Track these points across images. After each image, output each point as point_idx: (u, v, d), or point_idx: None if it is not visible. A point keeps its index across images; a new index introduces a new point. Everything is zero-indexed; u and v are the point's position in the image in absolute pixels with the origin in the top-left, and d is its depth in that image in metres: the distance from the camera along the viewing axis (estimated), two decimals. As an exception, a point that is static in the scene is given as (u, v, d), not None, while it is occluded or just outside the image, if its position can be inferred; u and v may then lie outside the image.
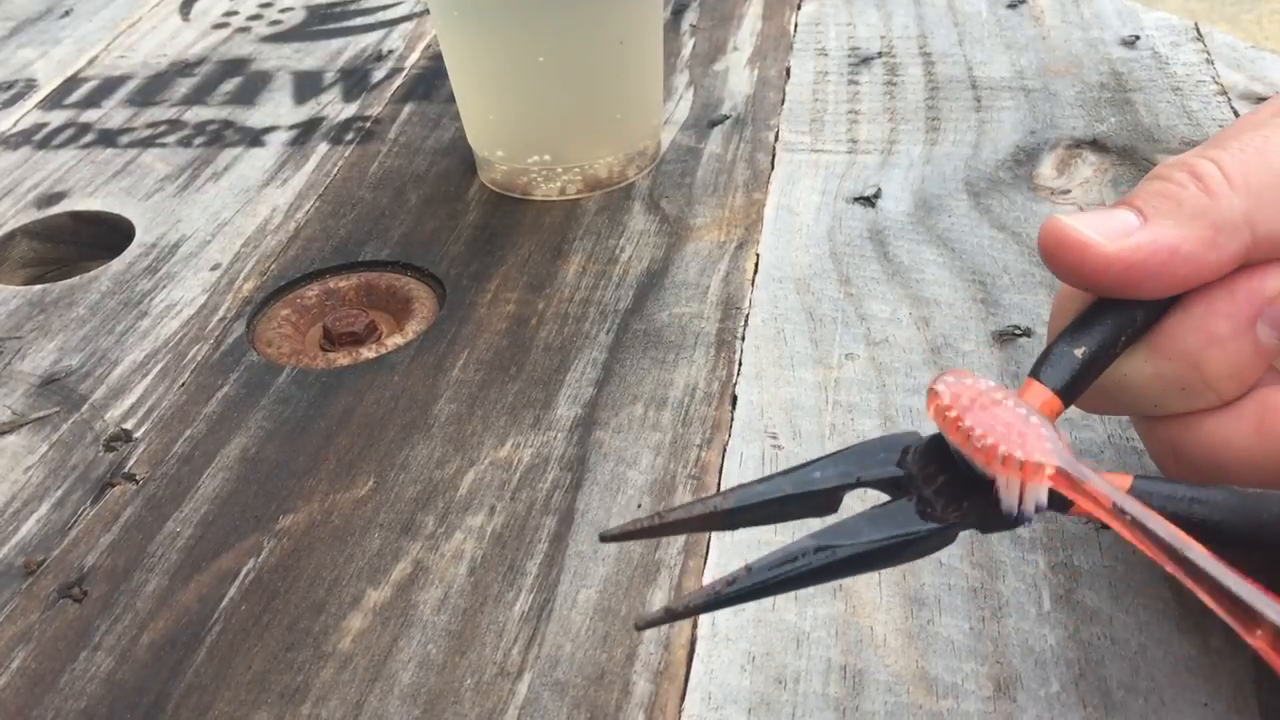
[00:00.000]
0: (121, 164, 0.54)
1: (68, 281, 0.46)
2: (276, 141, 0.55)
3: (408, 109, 0.57)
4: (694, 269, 0.43)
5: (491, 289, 0.43)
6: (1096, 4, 0.60)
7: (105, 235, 0.50)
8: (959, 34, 0.59)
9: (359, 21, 0.68)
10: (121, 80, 0.62)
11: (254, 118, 0.57)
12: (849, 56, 0.58)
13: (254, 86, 0.61)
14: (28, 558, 0.34)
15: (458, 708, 0.28)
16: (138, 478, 0.36)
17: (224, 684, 0.29)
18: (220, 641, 0.30)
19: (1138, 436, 0.29)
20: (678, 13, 0.64)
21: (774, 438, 0.35)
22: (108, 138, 0.57)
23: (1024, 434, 0.23)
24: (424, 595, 0.31)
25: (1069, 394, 0.26)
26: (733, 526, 0.25)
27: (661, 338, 0.40)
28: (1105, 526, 0.24)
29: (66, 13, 0.72)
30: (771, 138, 0.51)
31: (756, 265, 0.43)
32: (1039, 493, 0.22)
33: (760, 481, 0.24)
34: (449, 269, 0.44)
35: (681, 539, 0.32)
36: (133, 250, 0.48)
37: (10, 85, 0.63)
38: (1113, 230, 0.25)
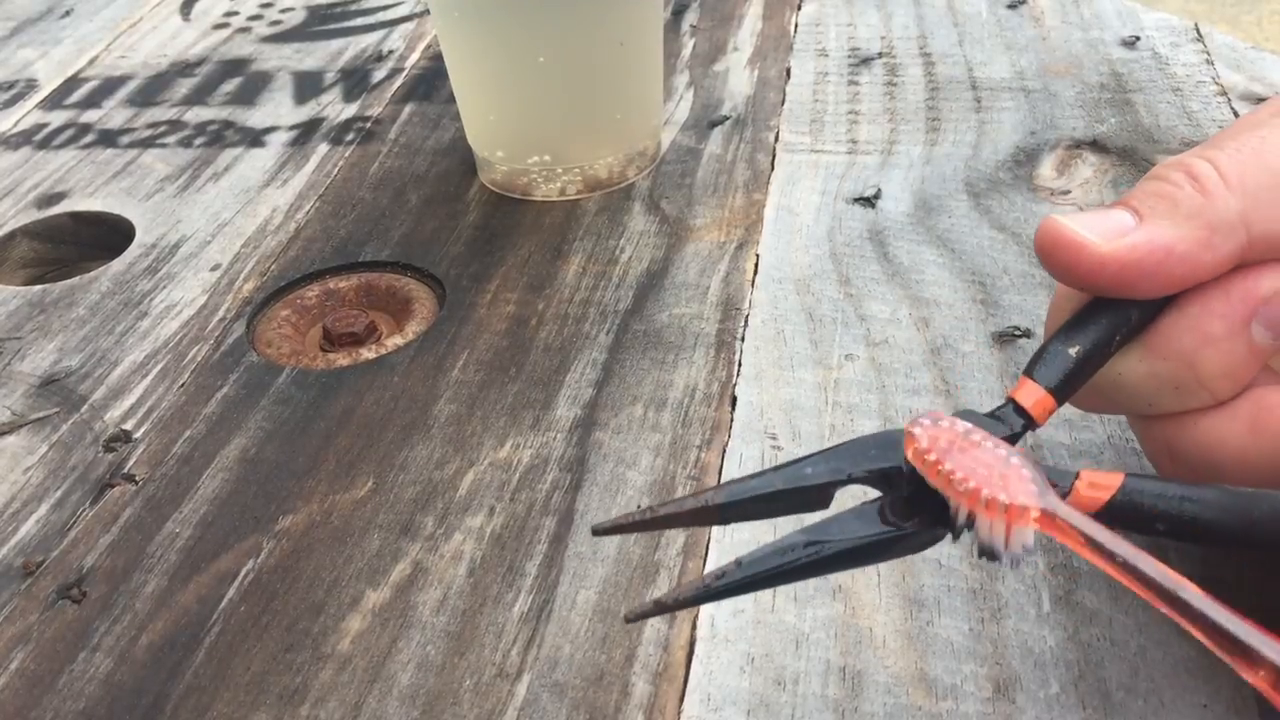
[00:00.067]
0: (122, 164, 0.54)
1: (68, 282, 0.46)
2: (277, 142, 0.55)
3: (408, 109, 0.57)
4: (694, 269, 0.43)
5: (491, 289, 0.43)
6: (1096, 4, 0.60)
7: (105, 235, 0.50)
8: (959, 34, 0.59)
9: (359, 22, 0.68)
10: (122, 80, 0.62)
11: (254, 118, 0.57)
12: (849, 57, 0.58)
13: (254, 87, 0.61)
14: (27, 558, 0.34)
15: (457, 709, 0.28)
16: (137, 478, 0.36)
17: (223, 685, 0.29)
18: (219, 642, 0.30)
19: (1136, 440, 0.29)
20: (678, 13, 0.64)
21: (774, 438, 0.35)
22: (108, 138, 0.57)
23: (1005, 476, 0.22)
24: (423, 596, 0.31)
25: (1062, 392, 0.26)
26: (724, 521, 0.25)
27: (661, 338, 0.40)
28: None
29: (67, 13, 0.72)
30: (771, 138, 0.51)
31: (756, 266, 0.43)
32: (1025, 535, 0.22)
33: (752, 477, 0.24)
34: (449, 269, 0.44)
35: (680, 541, 0.32)
36: (133, 251, 0.48)
37: (11, 85, 0.63)
38: (1108, 230, 0.25)
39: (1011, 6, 0.61)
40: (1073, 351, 0.26)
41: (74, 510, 0.35)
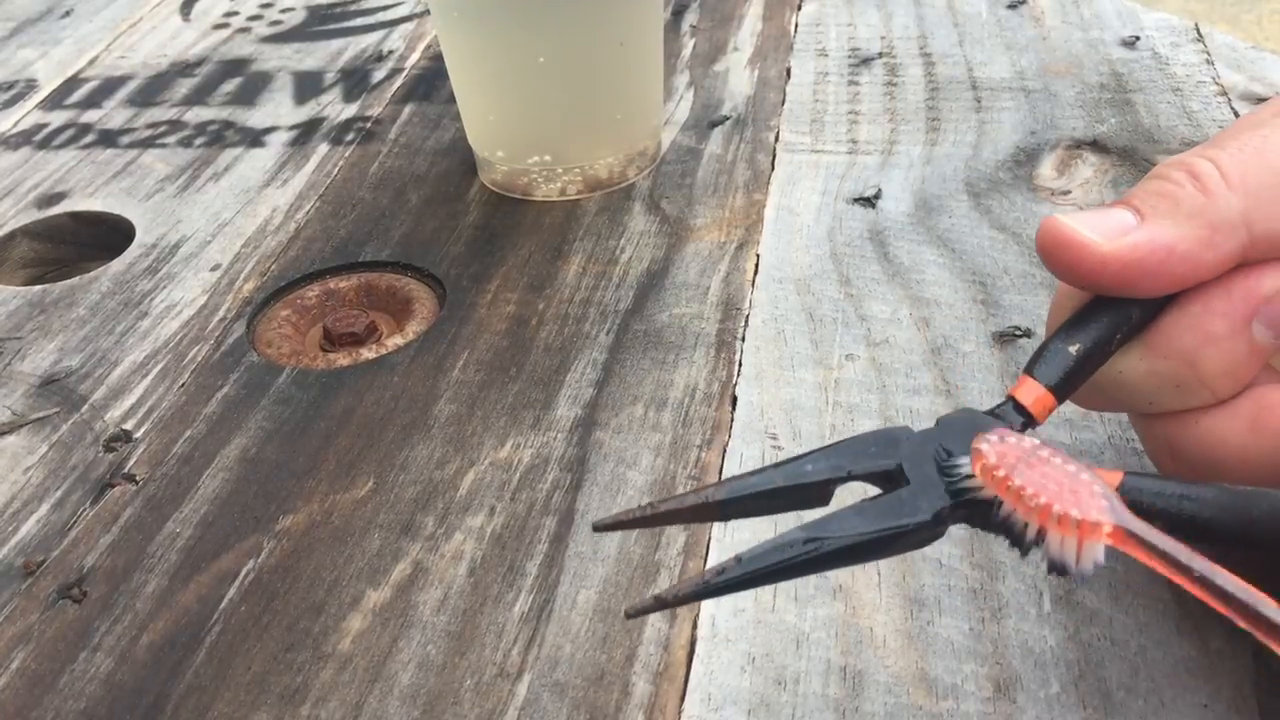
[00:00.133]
0: (122, 164, 0.54)
1: (68, 282, 0.46)
2: (277, 142, 0.55)
3: (408, 109, 0.57)
4: (694, 270, 0.43)
5: (491, 289, 0.43)
6: (1096, 4, 0.60)
7: (105, 235, 0.50)
8: (959, 34, 0.59)
9: (359, 22, 0.68)
10: (122, 81, 0.62)
11: (254, 118, 0.57)
12: (849, 57, 0.58)
13: (254, 87, 0.61)
14: (27, 558, 0.34)
15: (457, 709, 0.28)
16: (137, 478, 0.36)
17: (223, 685, 0.29)
18: (220, 642, 0.30)
19: (1137, 437, 0.29)
20: (678, 13, 0.64)
21: (774, 438, 0.35)
22: (108, 138, 0.57)
23: (1076, 491, 0.22)
24: (424, 596, 0.31)
25: (1062, 391, 0.26)
26: (724, 518, 0.25)
27: (661, 338, 0.40)
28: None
29: (67, 13, 0.72)
30: (772, 138, 0.51)
31: (757, 266, 0.43)
32: (1096, 550, 0.22)
33: (752, 473, 0.24)
34: (449, 269, 0.44)
35: (681, 540, 0.32)
36: (133, 251, 0.48)
37: (11, 85, 0.63)
38: (1110, 229, 0.25)
39: (1011, 6, 0.61)
40: (1073, 350, 0.26)
41: (74, 510, 0.35)
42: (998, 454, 0.23)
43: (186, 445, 0.37)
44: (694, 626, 0.30)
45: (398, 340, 0.41)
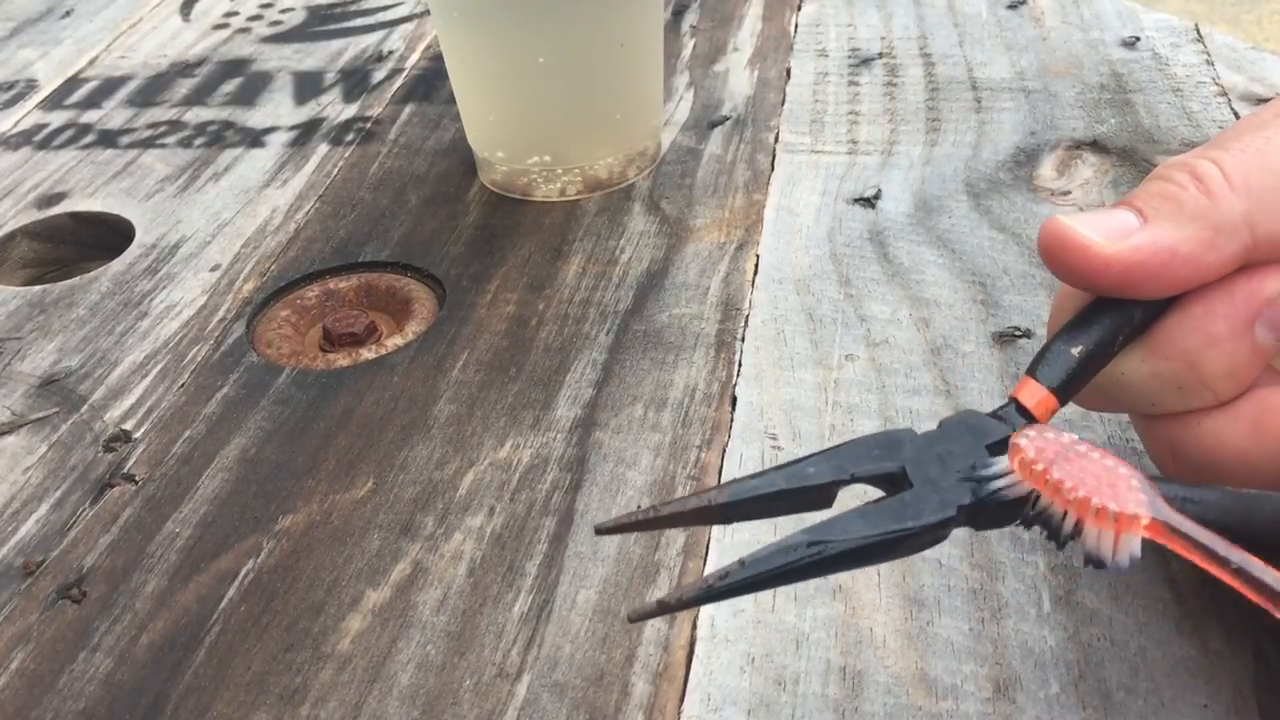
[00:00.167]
0: (122, 165, 0.54)
1: (68, 282, 0.46)
2: (277, 142, 0.55)
3: (408, 110, 0.57)
4: (694, 270, 0.43)
5: (491, 290, 0.43)
6: (1096, 5, 0.60)
7: (105, 236, 0.50)
8: (959, 35, 0.59)
9: (359, 22, 0.68)
10: (122, 81, 0.62)
11: (254, 118, 0.57)
12: (849, 57, 0.58)
13: (254, 87, 0.61)
14: (27, 558, 0.34)
15: (457, 709, 0.28)
16: (137, 478, 0.36)
17: (223, 685, 0.29)
18: (219, 642, 0.30)
19: (1138, 437, 0.29)
20: (678, 14, 0.64)
21: (774, 438, 0.35)
22: (108, 138, 0.57)
23: (1114, 485, 0.22)
24: (423, 596, 0.31)
25: (1065, 392, 0.26)
26: (726, 520, 0.25)
27: (661, 338, 0.40)
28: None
29: (67, 13, 0.72)
30: (771, 139, 0.51)
31: (756, 266, 0.43)
32: (1133, 544, 0.22)
33: (754, 476, 0.24)
34: (449, 270, 0.44)
35: (681, 540, 0.32)
36: (133, 251, 0.48)
37: (10, 85, 0.63)
38: (1112, 231, 0.25)
39: (1011, 7, 0.61)
40: (1076, 351, 0.26)
41: (74, 510, 0.35)
42: (1036, 448, 0.23)
43: (186, 445, 0.37)
44: (694, 627, 0.30)
45: (397, 340, 0.41)
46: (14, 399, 0.40)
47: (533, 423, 0.37)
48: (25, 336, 0.43)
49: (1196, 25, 0.57)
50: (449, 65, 0.48)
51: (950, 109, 0.52)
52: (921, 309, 0.40)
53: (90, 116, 0.59)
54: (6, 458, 0.37)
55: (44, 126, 0.58)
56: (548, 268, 0.44)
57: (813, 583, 0.30)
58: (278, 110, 0.58)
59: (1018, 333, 0.38)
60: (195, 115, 0.58)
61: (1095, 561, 0.22)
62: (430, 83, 0.59)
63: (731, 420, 0.36)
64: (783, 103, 0.54)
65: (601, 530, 0.25)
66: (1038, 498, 0.23)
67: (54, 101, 0.61)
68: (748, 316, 0.40)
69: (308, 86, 0.60)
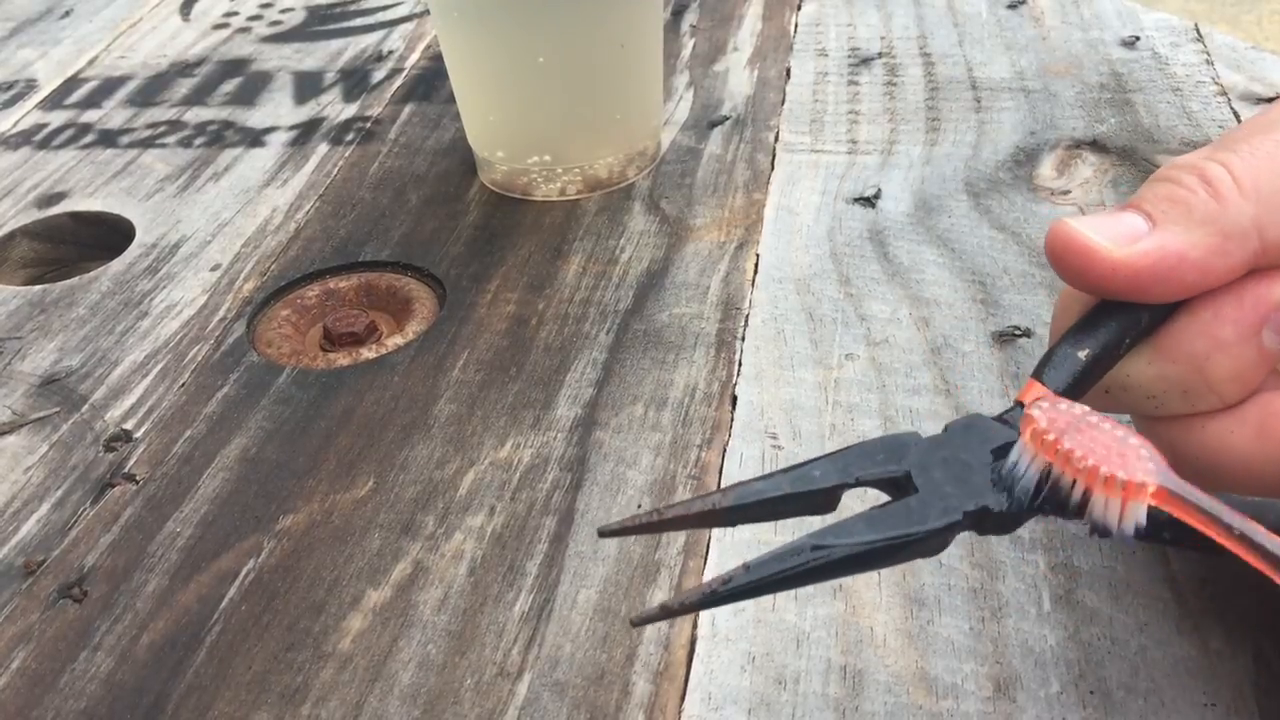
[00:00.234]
0: (122, 164, 0.54)
1: (68, 282, 0.46)
2: (277, 142, 0.55)
3: (408, 109, 0.57)
4: (694, 269, 0.43)
5: (491, 289, 0.43)
6: (1096, 4, 0.60)
7: (105, 235, 0.50)
8: (959, 34, 0.59)
9: (359, 22, 0.68)
10: (122, 81, 0.62)
11: (254, 118, 0.57)
12: (849, 57, 0.58)
13: (254, 87, 0.61)
14: (28, 558, 0.34)
15: (457, 708, 0.28)
16: (138, 478, 0.36)
17: (224, 684, 0.29)
18: (220, 642, 0.30)
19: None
20: (678, 13, 0.64)
21: (774, 438, 0.35)
22: (108, 138, 0.57)
23: (1124, 454, 0.23)
24: (424, 595, 0.31)
25: (1071, 396, 0.26)
26: (731, 523, 0.25)
27: (661, 338, 0.40)
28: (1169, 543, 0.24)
29: (67, 13, 0.72)
30: (771, 138, 0.51)
31: (756, 266, 0.43)
32: (1139, 512, 0.22)
33: (759, 479, 0.24)
34: (449, 269, 0.44)
35: (681, 540, 0.32)
36: (133, 251, 0.48)
37: (10, 85, 0.63)
38: (1121, 235, 0.25)
39: (1011, 6, 0.61)
40: (1082, 354, 0.25)
41: (75, 510, 0.35)
42: (1049, 419, 0.23)
43: (186, 445, 0.37)
44: (694, 626, 0.30)
45: (398, 340, 0.41)
46: (14, 399, 0.40)
47: (533, 422, 0.37)
48: (25, 336, 0.43)
49: (1196, 25, 0.57)
50: (449, 65, 0.48)
51: (950, 109, 0.52)
52: (921, 308, 0.40)
53: (90, 116, 0.59)
54: (7, 457, 0.37)
55: (44, 126, 0.58)
56: (548, 267, 0.44)
57: (813, 582, 0.30)
58: (278, 110, 0.58)
59: (1018, 332, 0.38)
60: (195, 115, 0.58)
61: (1101, 530, 0.23)
62: (430, 83, 0.59)
63: (732, 420, 0.36)
64: (783, 102, 0.54)
65: (605, 533, 0.25)
66: (1051, 475, 0.23)
67: (54, 101, 0.61)
68: (748, 316, 0.40)
69: (308, 86, 0.60)
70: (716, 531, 0.32)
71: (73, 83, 0.63)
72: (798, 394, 0.37)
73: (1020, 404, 0.26)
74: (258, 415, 0.38)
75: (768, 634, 0.29)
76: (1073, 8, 0.60)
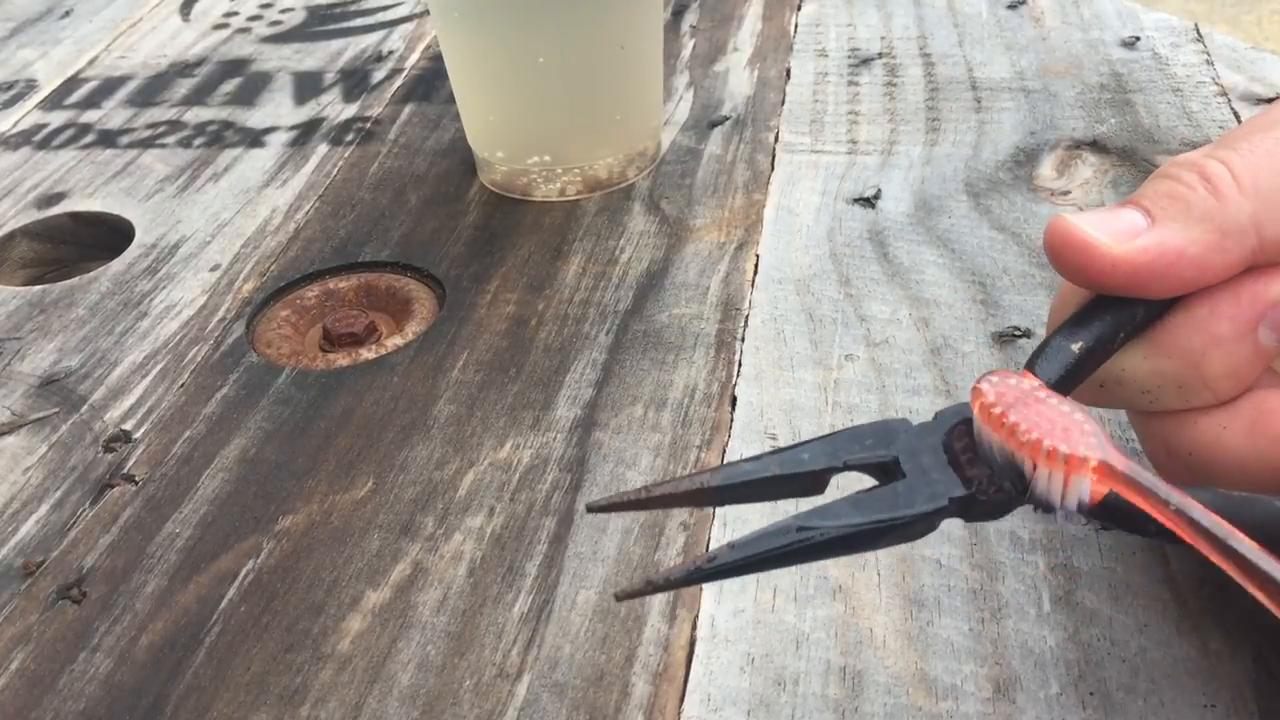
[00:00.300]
0: (121, 165, 0.54)
1: (67, 282, 0.46)
2: (276, 142, 0.55)
3: (408, 110, 0.57)
4: (694, 270, 0.43)
5: (491, 290, 0.43)
6: (1096, 5, 0.60)
7: (105, 236, 0.50)
8: (959, 35, 0.59)
9: (359, 22, 0.68)
10: (121, 81, 0.62)
11: (254, 118, 0.57)
12: (849, 57, 0.58)
13: (254, 87, 0.61)
14: (27, 559, 0.34)
15: (457, 709, 0.28)
16: (137, 479, 0.36)
17: (223, 685, 0.29)
18: (219, 643, 0.30)
19: (1137, 438, 0.29)
20: (678, 14, 0.64)
21: (774, 439, 0.35)
22: (108, 138, 0.57)
23: (1069, 429, 0.23)
24: (423, 596, 0.31)
25: (1062, 388, 0.26)
26: (719, 503, 0.25)
27: (661, 339, 0.40)
28: (1107, 527, 0.24)
29: (66, 13, 0.72)
30: (771, 139, 0.51)
31: (756, 266, 0.43)
32: (1082, 487, 0.22)
33: (748, 460, 0.24)
34: (449, 270, 0.44)
35: (681, 539, 0.32)
36: (132, 251, 0.48)
37: (10, 85, 0.63)
38: (1120, 231, 0.25)
39: (1011, 6, 0.61)
40: (1075, 347, 0.26)
41: (74, 510, 0.35)
42: (997, 393, 0.24)
43: (186, 445, 0.37)
44: (693, 627, 0.30)
45: (397, 340, 0.41)
46: (14, 399, 0.40)
47: (533, 423, 0.37)
48: (25, 336, 0.43)
49: (1196, 25, 0.57)
50: (449, 65, 0.48)
51: (950, 109, 0.52)
52: (921, 309, 0.40)
53: (90, 116, 0.59)
54: (6, 458, 0.37)
55: (44, 126, 0.58)
56: (548, 268, 0.44)
57: (812, 582, 0.30)
58: (277, 110, 0.58)
59: (1018, 333, 0.38)
60: (195, 115, 0.58)
61: (1044, 505, 0.23)
62: (430, 83, 0.59)
63: (731, 420, 0.36)
64: (782, 103, 0.54)
65: (593, 508, 0.25)
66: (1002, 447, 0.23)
67: (54, 101, 0.61)
68: (747, 316, 0.40)
69: (307, 86, 0.60)
70: (717, 532, 0.32)
71: (73, 83, 0.63)
72: (797, 395, 0.37)
73: None
74: (257, 416, 0.38)
75: (767, 635, 0.29)
76: (1073, 8, 0.60)
